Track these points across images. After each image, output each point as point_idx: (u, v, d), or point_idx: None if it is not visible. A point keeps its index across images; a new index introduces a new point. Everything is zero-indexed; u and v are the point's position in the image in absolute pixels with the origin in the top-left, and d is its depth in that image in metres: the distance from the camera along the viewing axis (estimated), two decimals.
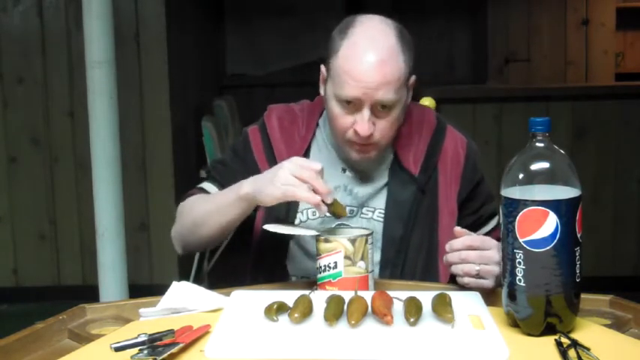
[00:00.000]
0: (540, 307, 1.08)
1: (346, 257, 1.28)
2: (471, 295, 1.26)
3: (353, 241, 1.29)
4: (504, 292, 1.13)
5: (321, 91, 1.52)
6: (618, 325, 1.17)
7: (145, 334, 1.02)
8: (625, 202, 3.93)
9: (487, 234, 1.54)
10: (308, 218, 1.52)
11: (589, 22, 5.39)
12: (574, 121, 3.87)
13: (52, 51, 3.94)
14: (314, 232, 1.35)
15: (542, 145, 1.10)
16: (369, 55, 1.38)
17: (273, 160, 1.52)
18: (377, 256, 1.47)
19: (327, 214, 1.36)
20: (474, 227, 1.54)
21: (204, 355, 1.03)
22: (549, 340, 1.07)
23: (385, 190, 1.53)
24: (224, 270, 1.62)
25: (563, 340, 1.05)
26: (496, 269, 1.27)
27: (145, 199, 3.99)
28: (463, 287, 1.31)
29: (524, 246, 1.08)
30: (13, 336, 1.12)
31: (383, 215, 1.51)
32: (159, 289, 1.31)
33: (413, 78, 1.47)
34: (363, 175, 1.54)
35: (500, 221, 1.13)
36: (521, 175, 1.10)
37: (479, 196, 1.58)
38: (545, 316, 1.08)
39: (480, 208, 1.58)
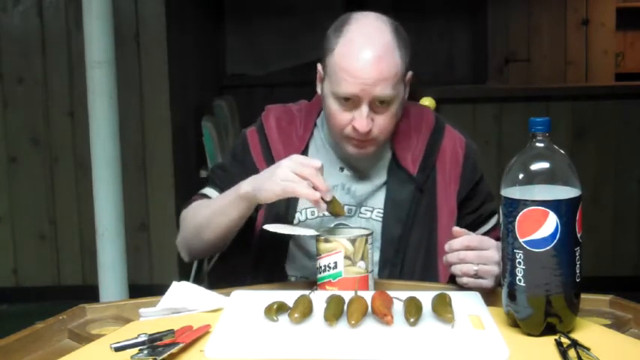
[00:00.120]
0: (540, 307, 1.08)
1: (346, 257, 1.28)
2: (471, 295, 1.26)
3: (353, 241, 1.29)
4: (504, 292, 1.13)
5: (318, 90, 1.52)
6: (618, 325, 1.17)
7: (145, 334, 1.02)
8: (625, 202, 3.93)
9: (487, 233, 1.54)
10: (307, 218, 1.52)
11: (589, 22, 5.39)
12: (574, 121, 3.87)
13: (52, 51, 3.94)
14: (314, 232, 1.35)
15: (542, 145, 1.10)
16: (365, 52, 1.39)
17: (271, 161, 1.52)
18: (376, 256, 1.47)
19: (326, 213, 1.36)
20: (473, 226, 1.54)
21: (204, 355, 1.03)
22: (549, 340, 1.06)
23: (383, 190, 1.53)
24: (224, 270, 1.62)
25: (563, 340, 1.05)
26: (495, 269, 1.27)
27: (145, 199, 3.99)
28: (463, 287, 1.31)
29: (524, 246, 1.08)
30: (13, 336, 1.11)
31: (382, 215, 1.51)
32: (159, 289, 1.31)
33: (410, 74, 1.47)
34: (361, 174, 1.54)
35: (501, 221, 1.13)
36: (521, 175, 1.10)
37: (478, 195, 1.58)
38: (545, 316, 1.08)
39: (479, 207, 1.58)
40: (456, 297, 1.21)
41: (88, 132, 2.87)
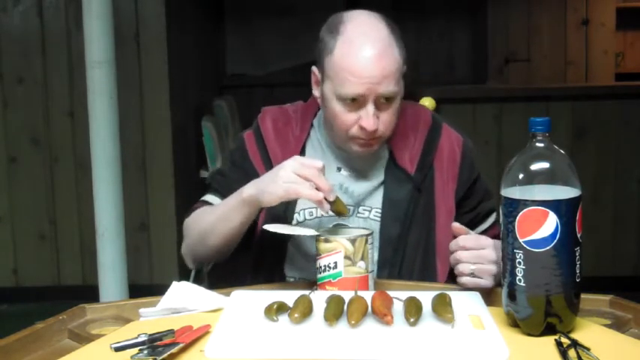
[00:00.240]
0: (540, 307, 1.08)
1: (346, 257, 1.28)
2: (471, 295, 1.26)
3: (353, 241, 1.29)
4: (504, 292, 1.13)
5: (316, 93, 1.51)
6: (618, 325, 1.17)
7: (145, 334, 1.02)
8: (625, 202, 3.93)
9: (485, 231, 1.54)
10: (305, 219, 1.52)
11: (589, 22, 5.39)
12: (574, 121, 3.87)
13: (52, 51, 3.94)
14: (314, 232, 1.35)
15: (542, 145, 1.10)
16: (366, 51, 1.39)
17: (268, 162, 1.52)
18: (375, 256, 1.47)
19: (324, 213, 1.36)
20: (471, 225, 1.54)
21: (204, 355, 1.03)
22: (549, 340, 1.06)
23: (381, 189, 1.53)
24: (224, 270, 1.62)
25: (563, 340, 1.05)
26: (493, 268, 1.27)
27: (145, 199, 3.99)
28: (463, 287, 1.31)
29: (524, 246, 1.08)
30: (13, 336, 1.11)
31: (380, 214, 1.51)
32: (159, 289, 1.31)
33: (404, 68, 1.47)
34: (358, 174, 1.54)
35: (501, 221, 1.13)
36: (521, 175, 1.10)
37: (476, 194, 1.58)
38: (545, 316, 1.08)
39: (477, 206, 1.58)
40: (456, 297, 1.21)
41: (88, 132, 2.87)
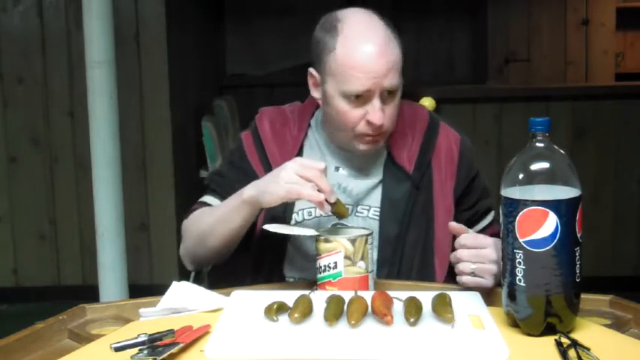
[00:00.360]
0: (540, 307, 1.08)
1: (346, 257, 1.28)
2: (471, 295, 1.26)
3: (353, 241, 1.29)
4: (504, 292, 1.13)
5: (315, 95, 1.51)
6: (618, 325, 1.17)
7: (145, 334, 1.02)
8: (625, 202, 3.93)
9: (483, 230, 1.54)
10: (304, 219, 1.52)
11: (589, 22, 5.39)
12: (574, 121, 3.87)
13: (52, 51, 3.94)
14: (314, 232, 1.35)
15: (542, 145, 1.10)
16: (369, 46, 1.40)
17: (266, 163, 1.52)
18: (374, 255, 1.47)
19: (323, 213, 1.36)
20: (470, 223, 1.54)
21: (204, 355, 1.03)
22: (549, 340, 1.06)
23: (379, 188, 1.53)
24: (224, 270, 1.62)
25: (563, 340, 1.05)
26: (493, 267, 1.27)
27: (145, 199, 3.99)
28: (463, 287, 1.31)
29: (524, 246, 1.08)
30: (13, 336, 1.11)
31: (378, 213, 1.51)
32: (159, 289, 1.31)
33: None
34: (357, 173, 1.54)
35: (501, 221, 1.12)
36: (521, 175, 1.10)
37: (474, 192, 1.58)
38: (545, 316, 1.08)
39: (475, 204, 1.58)
40: (456, 297, 1.21)
41: (88, 132, 2.87)
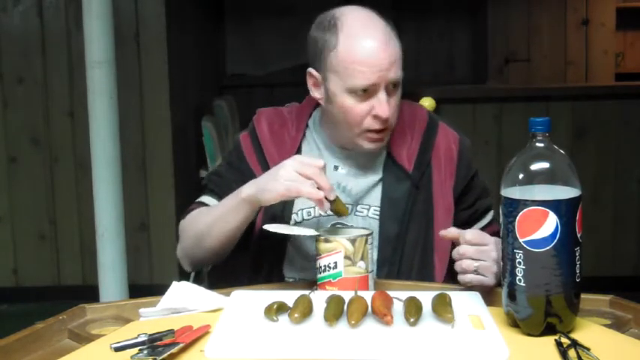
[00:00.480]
0: (540, 307, 1.08)
1: (346, 257, 1.28)
2: (471, 295, 1.26)
3: (353, 241, 1.29)
4: (504, 292, 1.13)
5: (316, 95, 1.51)
6: (618, 325, 1.17)
7: (145, 334, 1.02)
8: (625, 202, 3.93)
9: (482, 229, 1.54)
10: (303, 219, 1.52)
11: (589, 22, 5.39)
12: (574, 121, 3.87)
13: (52, 51, 3.94)
14: (314, 232, 1.35)
15: (542, 145, 1.10)
16: (371, 40, 1.41)
17: (264, 163, 1.52)
18: (374, 255, 1.47)
19: (329, 212, 1.36)
20: (469, 222, 1.55)
21: (204, 355, 1.03)
22: (549, 340, 1.06)
23: (379, 187, 1.53)
24: (224, 270, 1.62)
25: (563, 340, 1.05)
26: (494, 266, 1.27)
27: (145, 199, 3.99)
28: (463, 287, 1.31)
29: (524, 246, 1.08)
30: (13, 336, 1.11)
31: (378, 213, 1.51)
32: (159, 289, 1.31)
33: None
34: (356, 172, 1.54)
35: (501, 221, 1.12)
36: (521, 175, 1.10)
37: (473, 190, 1.58)
38: (545, 316, 1.08)
39: (474, 203, 1.58)
40: (456, 297, 1.21)
41: (88, 132, 2.87)
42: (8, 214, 4.03)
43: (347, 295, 1.18)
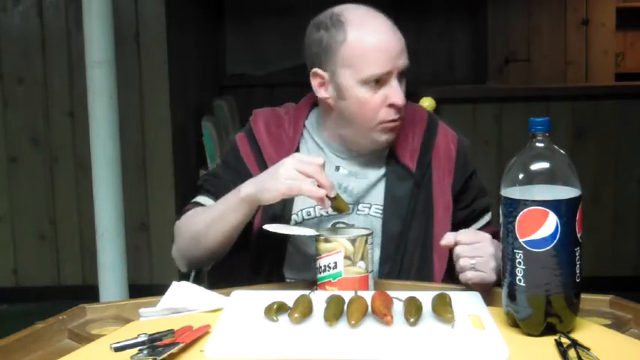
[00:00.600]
0: (540, 307, 1.08)
1: (346, 257, 1.28)
2: (471, 295, 1.26)
3: (353, 241, 1.29)
4: (504, 292, 1.13)
5: (324, 94, 1.49)
6: (618, 325, 1.17)
7: (145, 334, 1.01)
8: (625, 202, 3.93)
9: (480, 229, 1.54)
10: (303, 219, 1.52)
11: (589, 22, 5.39)
12: (574, 121, 3.87)
13: (52, 51, 3.94)
14: (314, 232, 1.35)
15: (542, 145, 1.10)
16: (380, 28, 1.43)
17: (263, 165, 1.51)
18: (376, 253, 1.47)
19: (324, 212, 1.35)
20: (467, 222, 1.55)
21: (204, 355, 1.03)
22: (549, 340, 1.06)
23: (379, 185, 1.53)
24: (224, 270, 1.61)
25: (563, 340, 1.05)
26: (492, 262, 1.28)
27: (145, 199, 3.99)
28: (463, 287, 1.31)
29: (524, 246, 1.08)
30: (13, 336, 1.11)
31: (381, 211, 1.51)
32: (159, 289, 1.31)
33: None
34: (357, 172, 1.54)
35: (501, 221, 1.12)
36: (521, 175, 1.10)
37: (471, 190, 1.59)
38: (545, 316, 1.08)
39: (472, 202, 1.58)
40: (456, 297, 1.21)
41: (88, 132, 2.87)
42: (8, 214, 4.03)
43: (347, 295, 1.18)
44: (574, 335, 1.06)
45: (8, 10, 3.93)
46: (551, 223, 1.06)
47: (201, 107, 4.60)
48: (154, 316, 1.22)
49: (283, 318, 1.14)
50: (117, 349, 0.99)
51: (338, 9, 1.47)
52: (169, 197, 3.97)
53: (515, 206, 1.08)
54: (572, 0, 5.38)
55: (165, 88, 3.94)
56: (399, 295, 1.19)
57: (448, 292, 1.20)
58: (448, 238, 1.32)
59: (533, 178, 1.10)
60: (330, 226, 1.50)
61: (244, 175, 1.50)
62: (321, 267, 1.30)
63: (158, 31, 3.91)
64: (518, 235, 1.08)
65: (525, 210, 1.07)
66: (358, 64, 1.42)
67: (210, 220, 1.46)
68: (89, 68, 2.81)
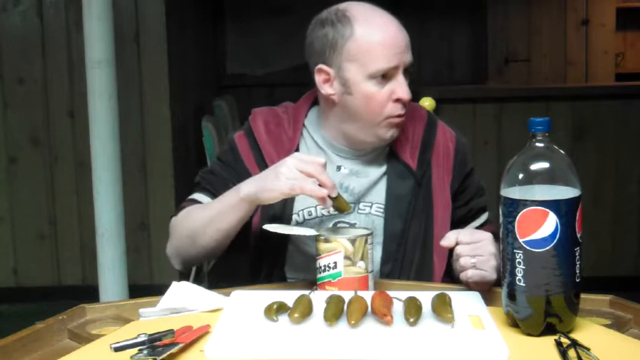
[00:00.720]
0: (540, 307, 1.08)
1: (346, 257, 1.28)
2: (471, 295, 1.26)
3: (353, 241, 1.29)
4: (504, 292, 1.13)
5: (329, 90, 1.48)
6: (618, 325, 1.17)
7: (145, 334, 1.01)
8: (625, 203, 3.93)
9: (477, 228, 1.54)
10: (304, 219, 1.52)
11: (589, 22, 5.39)
12: (574, 121, 3.87)
13: (52, 51, 3.94)
14: (314, 232, 1.35)
15: (542, 145, 1.10)
16: (387, 23, 1.44)
17: (263, 164, 1.51)
18: (378, 251, 1.47)
19: (324, 212, 1.35)
20: (464, 221, 1.56)
21: (204, 355, 1.03)
22: (549, 340, 1.07)
23: (380, 184, 1.53)
24: (224, 270, 1.62)
25: (563, 340, 1.05)
26: (492, 260, 1.28)
27: (145, 199, 3.99)
28: (463, 287, 1.31)
29: (524, 246, 1.08)
30: (13, 336, 1.11)
31: (382, 210, 1.51)
32: (159, 289, 1.31)
33: None
34: (358, 171, 1.54)
35: (500, 221, 1.12)
36: (521, 175, 1.10)
37: (469, 188, 1.59)
38: (545, 316, 1.08)
39: (470, 201, 1.59)
40: (456, 297, 1.21)
41: (88, 132, 2.87)
42: (8, 214, 4.03)
43: (347, 295, 1.18)
44: (574, 335, 1.06)
45: (8, 10, 3.93)
46: (551, 223, 1.06)
47: (201, 107, 4.60)
48: (154, 316, 1.22)
49: (283, 318, 1.14)
50: (117, 349, 0.99)
51: (342, 6, 1.48)
52: (169, 197, 3.97)
53: (515, 206, 1.08)
54: (572, 0, 5.38)
55: (165, 88, 3.94)
56: (399, 295, 1.19)
57: (448, 292, 1.20)
58: (449, 238, 1.31)
59: (533, 178, 1.10)
60: (331, 225, 1.50)
61: (243, 174, 1.50)
62: (320, 267, 1.30)
63: (158, 31, 3.91)
64: (518, 235, 1.08)
65: (525, 210, 1.07)
66: (365, 59, 1.42)
67: (208, 218, 1.45)
68: (89, 68, 2.80)
